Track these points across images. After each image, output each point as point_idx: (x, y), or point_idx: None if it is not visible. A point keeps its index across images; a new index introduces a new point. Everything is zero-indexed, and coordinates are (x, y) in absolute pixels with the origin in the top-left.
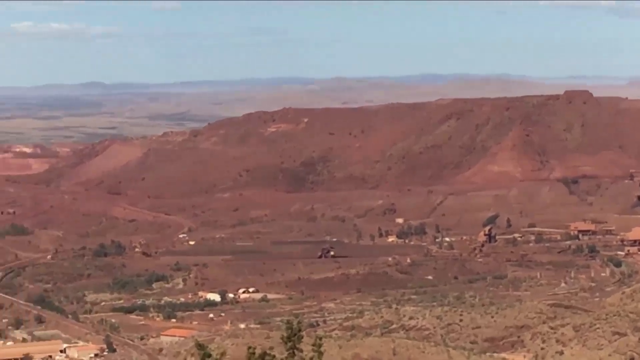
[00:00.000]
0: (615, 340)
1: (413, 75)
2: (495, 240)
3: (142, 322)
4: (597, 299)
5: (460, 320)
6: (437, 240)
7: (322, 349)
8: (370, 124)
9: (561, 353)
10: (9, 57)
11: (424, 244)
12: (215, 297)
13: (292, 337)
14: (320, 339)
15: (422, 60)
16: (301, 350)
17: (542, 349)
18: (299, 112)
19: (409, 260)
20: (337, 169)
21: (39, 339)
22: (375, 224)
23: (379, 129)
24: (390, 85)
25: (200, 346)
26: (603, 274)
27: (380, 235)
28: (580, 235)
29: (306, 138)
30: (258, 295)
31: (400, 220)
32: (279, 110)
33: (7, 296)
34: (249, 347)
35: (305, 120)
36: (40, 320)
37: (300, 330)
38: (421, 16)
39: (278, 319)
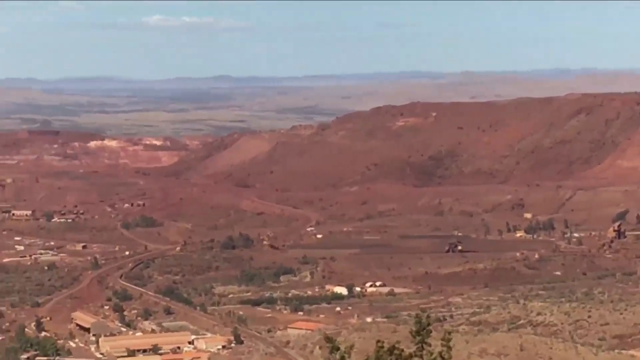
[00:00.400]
0: None
1: (542, 69)
2: (625, 236)
3: (270, 315)
4: None
5: (589, 317)
6: (565, 235)
7: (450, 343)
8: (499, 119)
9: None
10: (140, 51)
11: (552, 239)
12: (342, 290)
13: (421, 332)
14: (450, 333)
15: (550, 55)
16: (430, 345)
17: None
18: (427, 106)
19: (537, 256)
20: (465, 163)
21: (168, 330)
22: (503, 219)
23: (508, 123)
24: (518, 80)
25: (328, 339)
26: None
27: (508, 230)
28: None
29: (434, 132)
30: (385, 289)
31: (528, 216)
32: (407, 104)
33: (136, 287)
34: (378, 341)
35: (434, 114)
36: (168, 312)
37: (429, 325)
38: (550, 11)
39: (405, 313)
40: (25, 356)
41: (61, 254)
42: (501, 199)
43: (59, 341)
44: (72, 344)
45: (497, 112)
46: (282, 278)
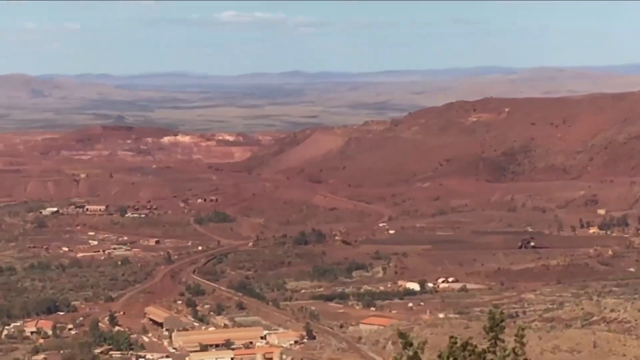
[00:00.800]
0: None
1: (616, 65)
2: None
3: (342, 310)
4: None
5: None
6: (639, 232)
7: (524, 339)
8: (572, 114)
9: None
10: (213, 47)
11: (626, 235)
12: (414, 286)
13: (495, 328)
14: (523, 329)
15: (625, 50)
16: (503, 341)
17: None
18: (500, 101)
19: (610, 252)
20: (538, 159)
21: (240, 325)
22: (576, 215)
23: (581, 119)
24: (592, 75)
25: (402, 335)
26: None
27: (582, 226)
28: None
29: (507, 128)
30: (457, 285)
31: (601, 212)
32: (480, 99)
33: (209, 282)
34: (451, 337)
35: (507, 109)
36: (241, 307)
37: (502, 321)
38: (623, 7)
39: (477, 309)
40: (98, 350)
41: (134, 249)
42: (574, 194)
43: (132, 335)
44: (145, 339)
45: (570, 108)
46: (354, 273)
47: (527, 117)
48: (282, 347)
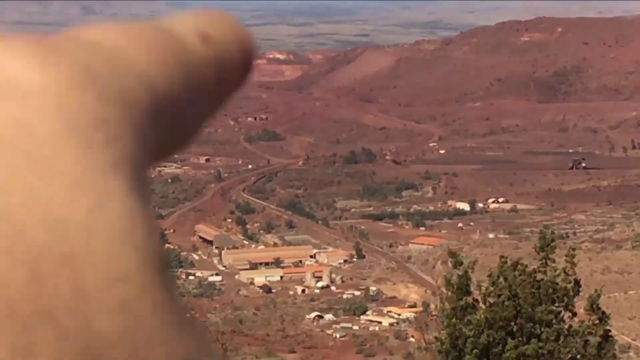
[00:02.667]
0: None
1: None
2: None
3: (391, 230)
4: None
5: None
6: None
7: (574, 260)
8: (626, 34)
9: None
10: None
11: None
12: (464, 206)
13: (545, 248)
14: (574, 249)
15: None
16: (554, 261)
17: None
18: (553, 21)
19: None
20: (590, 79)
21: (290, 243)
22: (628, 136)
23: (635, 39)
24: None
25: (452, 254)
26: None
27: (634, 147)
28: None
29: (559, 48)
30: (507, 206)
31: None
32: (532, 19)
33: (259, 201)
34: (501, 257)
35: (559, 29)
36: (291, 225)
37: (553, 241)
38: None
39: (527, 229)
40: None
41: (185, 167)
42: (626, 115)
43: (182, 253)
44: (195, 256)
45: (624, 28)
46: (404, 193)
47: (579, 37)
48: (331, 265)
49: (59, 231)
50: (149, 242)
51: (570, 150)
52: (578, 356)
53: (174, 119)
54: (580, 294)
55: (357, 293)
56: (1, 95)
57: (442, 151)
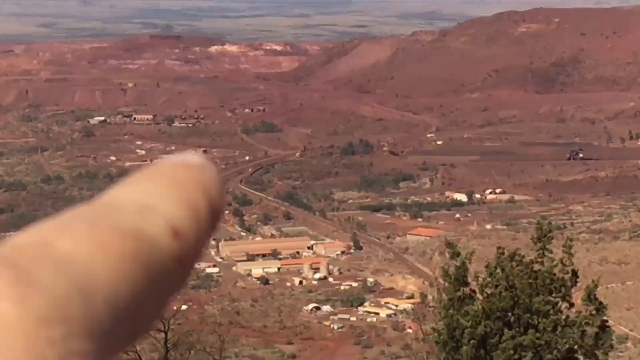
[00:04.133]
0: None
1: None
2: None
3: (389, 221)
4: None
5: None
6: None
7: (571, 250)
8: (623, 25)
9: None
10: None
11: None
12: (462, 197)
13: (542, 238)
14: (571, 240)
15: None
16: (551, 252)
17: None
18: (550, 11)
19: None
20: (587, 70)
21: (287, 235)
22: (625, 127)
23: (632, 30)
24: None
25: (449, 245)
26: None
27: (631, 137)
28: None
29: (557, 38)
30: (505, 197)
31: None
32: (529, 10)
33: (256, 192)
34: (498, 248)
35: (556, 20)
36: (288, 217)
37: (550, 232)
38: None
39: (525, 220)
40: None
41: None
42: (624, 106)
43: None
44: None
45: (621, 18)
46: (401, 184)
47: (577, 28)
48: (328, 257)
49: None
50: None
51: (568, 141)
52: (575, 347)
53: (135, 319)
54: (578, 284)
55: (354, 284)
56: None
57: (439, 142)
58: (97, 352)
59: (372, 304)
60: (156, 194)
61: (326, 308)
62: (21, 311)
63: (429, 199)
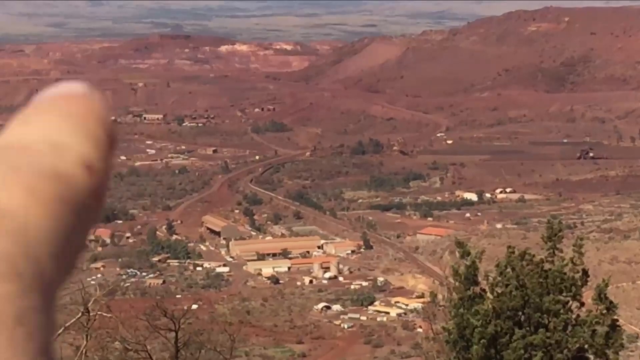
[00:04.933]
0: None
1: None
2: None
3: (399, 220)
4: None
5: None
6: None
7: (582, 249)
8: (633, 24)
9: None
10: None
11: None
12: (472, 196)
13: (553, 238)
14: (582, 239)
15: None
16: (561, 251)
17: None
18: (560, 11)
19: None
20: (597, 69)
21: (297, 234)
22: (636, 126)
23: None
24: None
25: (459, 244)
26: None
27: None
28: None
29: (567, 38)
30: (515, 196)
31: None
32: (539, 9)
33: (266, 192)
34: (509, 247)
35: (566, 19)
36: (298, 216)
37: (560, 231)
38: None
39: (535, 220)
40: (156, 258)
41: (192, 158)
42: (634, 105)
43: (189, 244)
44: (203, 247)
45: (631, 17)
46: (411, 184)
47: (587, 27)
48: (339, 256)
49: None
50: None
51: (578, 141)
52: (586, 346)
53: (68, 260)
54: (588, 283)
55: (364, 284)
56: None
57: (449, 141)
58: (46, 305)
59: (382, 303)
60: (59, 130)
61: (336, 307)
62: None
63: (439, 198)
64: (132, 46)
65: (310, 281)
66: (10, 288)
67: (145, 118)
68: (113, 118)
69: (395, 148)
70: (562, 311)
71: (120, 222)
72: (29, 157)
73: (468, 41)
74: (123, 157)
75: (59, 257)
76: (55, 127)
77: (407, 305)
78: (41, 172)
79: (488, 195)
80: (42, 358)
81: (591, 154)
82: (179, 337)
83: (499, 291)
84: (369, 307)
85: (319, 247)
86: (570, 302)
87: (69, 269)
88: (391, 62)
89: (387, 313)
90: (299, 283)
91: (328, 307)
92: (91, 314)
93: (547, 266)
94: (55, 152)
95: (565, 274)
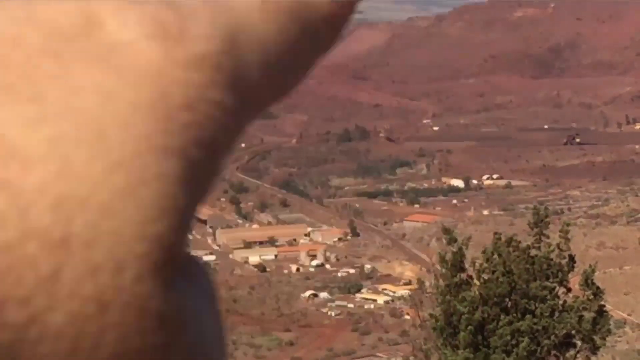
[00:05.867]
0: None
1: None
2: None
3: (385, 208)
4: None
5: None
6: None
7: (568, 235)
8: (620, 9)
9: None
10: None
11: None
12: (458, 183)
13: (539, 224)
14: (568, 225)
15: None
16: (548, 237)
17: None
18: None
19: None
20: (584, 55)
21: (284, 222)
22: (622, 111)
23: (629, 14)
24: None
25: (446, 231)
26: None
27: (628, 122)
28: None
29: (553, 23)
30: (502, 182)
31: None
32: None
33: (253, 179)
34: (495, 233)
35: (552, 5)
36: (285, 204)
37: (547, 217)
38: None
39: (522, 206)
40: None
41: None
42: (621, 90)
43: None
44: (189, 236)
45: (618, 3)
46: (398, 171)
47: (573, 13)
48: (325, 244)
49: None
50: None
51: (565, 126)
52: (573, 332)
53: (282, 78)
54: (575, 269)
55: (352, 271)
56: (104, 63)
57: (436, 128)
58: (239, 107)
59: (369, 291)
60: None
61: (324, 295)
62: (161, 52)
63: (425, 185)
64: None
65: (297, 269)
66: (196, 76)
67: None
68: None
69: (381, 135)
70: (548, 297)
71: None
72: None
73: (454, 27)
74: None
75: (271, 70)
76: None
77: (394, 292)
78: None
79: (475, 181)
80: (195, 150)
81: (578, 140)
82: None
83: (486, 278)
84: (357, 295)
85: (305, 235)
86: (557, 288)
87: (278, 94)
88: (377, 48)
89: (375, 300)
90: (285, 271)
91: (315, 295)
92: None
93: (533, 252)
94: None
95: (552, 260)
